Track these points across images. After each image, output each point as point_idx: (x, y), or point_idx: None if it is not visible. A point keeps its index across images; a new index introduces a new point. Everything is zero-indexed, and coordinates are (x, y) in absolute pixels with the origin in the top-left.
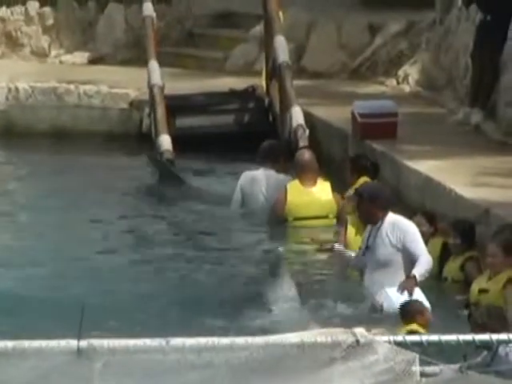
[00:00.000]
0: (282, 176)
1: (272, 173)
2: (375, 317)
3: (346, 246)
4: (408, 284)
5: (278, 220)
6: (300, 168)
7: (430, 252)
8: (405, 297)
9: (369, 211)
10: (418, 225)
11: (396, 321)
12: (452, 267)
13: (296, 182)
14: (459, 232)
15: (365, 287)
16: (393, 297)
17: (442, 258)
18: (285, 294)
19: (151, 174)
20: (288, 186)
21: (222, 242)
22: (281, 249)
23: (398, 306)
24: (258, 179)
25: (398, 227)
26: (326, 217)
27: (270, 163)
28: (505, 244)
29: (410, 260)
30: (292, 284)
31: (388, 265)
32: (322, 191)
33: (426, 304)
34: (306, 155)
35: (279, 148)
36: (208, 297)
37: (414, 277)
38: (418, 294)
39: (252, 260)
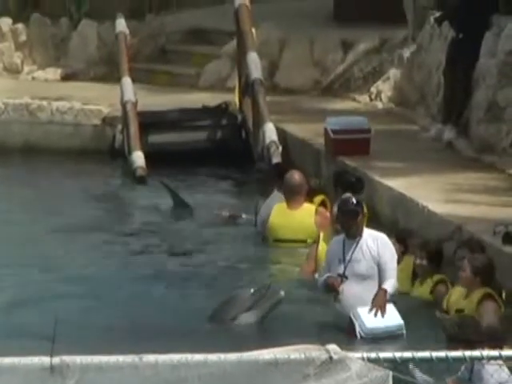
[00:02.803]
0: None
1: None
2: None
3: (317, 260)
4: (379, 300)
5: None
6: (288, 189)
7: (402, 269)
8: (377, 317)
9: (361, 225)
10: None
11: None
12: (421, 291)
13: (282, 204)
14: (426, 253)
15: (341, 301)
16: (364, 317)
17: (414, 276)
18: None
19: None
20: (274, 207)
21: (199, 259)
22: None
23: (369, 327)
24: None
25: (381, 242)
26: (305, 241)
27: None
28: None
29: (381, 276)
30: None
31: (368, 277)
32: (305, 215)
33: (400, 320)
34: (296, 177)
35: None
36: (180, 313)
37: (385, 291)
38: (391, 310)
39: (228, 275)
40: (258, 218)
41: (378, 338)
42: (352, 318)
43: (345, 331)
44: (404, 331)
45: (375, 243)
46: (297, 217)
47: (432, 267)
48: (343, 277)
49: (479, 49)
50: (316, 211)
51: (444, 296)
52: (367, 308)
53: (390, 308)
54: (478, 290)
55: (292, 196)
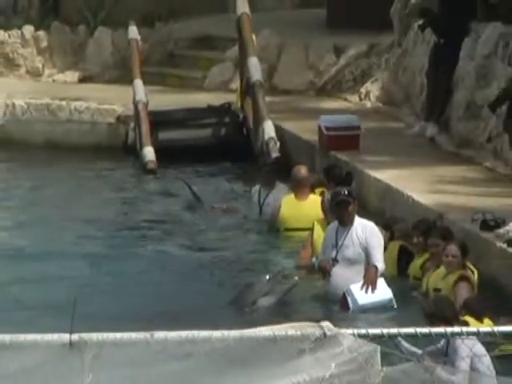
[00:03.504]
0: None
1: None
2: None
3: (313, 249)
4: (371, 276)
5: (274, 229)
6: (295, 182)
7: (388, 254)
8: (368, 293)
9: (352, 213)
10: None
11: (360, 317)
12: (413, 265)
13: (291, 196)
14: (420, 231)
15: (331, 282)
16: (356, 294)
17: (399, 260)
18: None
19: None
20: (283, 199)
21: (216, 247)
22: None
23: (361, 303)
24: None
25: (369, 230)
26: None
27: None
28: (462, 245)
29: (369, 260)
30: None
31: (356, 262)
32: (313, 205)
33: (390, 294)
34: (302, 171)
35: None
36: (194, 296)
37: (376, 267)
38: (382, 284)
39: (242, 262)
40: (266, 208)
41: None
42: (345, 294)
43: (336, 308)
44: (394, 304)
45: (364, 231)
46: (306, 207)
47: (426, 245)
48: (335, 260)
49: (459, 53)
50: (322, 201)
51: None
52: (359, 284)
53: (381, 282)
54: (456, 271)
55: (300, 188)
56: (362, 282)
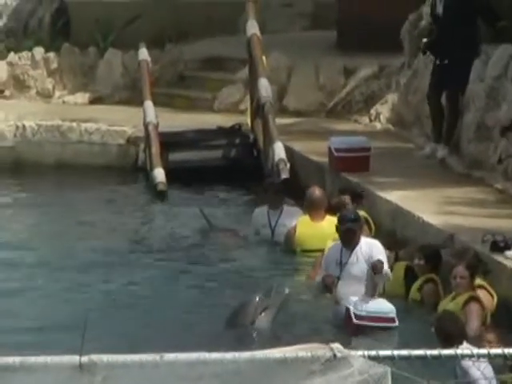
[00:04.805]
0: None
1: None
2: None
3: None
4: (378, 263)
5: (289, 250)
6: (310, 204)
7: (394, 274)
8: (369, 303)
9: (358, 237)
10: None
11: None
12: (412, 288)
13: (306, 217)
14: (424, 254)
15: (336, 300)
16: (358, 303)
17: (406, 281)
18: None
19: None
20: (299, 220)
21: (226, 266)
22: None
23: (363, 307)
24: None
25: (374, 247)
26: None
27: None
28: (471, 266)
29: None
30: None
31: (361, 279)
32: (329, 226)
33: (391, 306)
34: (317, 192)
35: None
36: (200, 316)
37: (380, 260)
38: (383, 300)
39: (252, 283)
40: (279, 229)
41: (372, 327)
42: (347, 305)
43: (342, 329)
44: (395, 316)
45: (369, 248)
46: (322, 228)
47: (429, 268)
48: (339, 278)
49: (465, 74)
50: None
51: (432, 294)
52: (360, 296)
53: (382, 299)
54: (465, 293)
55: (315, 209)
56: (363, 295)
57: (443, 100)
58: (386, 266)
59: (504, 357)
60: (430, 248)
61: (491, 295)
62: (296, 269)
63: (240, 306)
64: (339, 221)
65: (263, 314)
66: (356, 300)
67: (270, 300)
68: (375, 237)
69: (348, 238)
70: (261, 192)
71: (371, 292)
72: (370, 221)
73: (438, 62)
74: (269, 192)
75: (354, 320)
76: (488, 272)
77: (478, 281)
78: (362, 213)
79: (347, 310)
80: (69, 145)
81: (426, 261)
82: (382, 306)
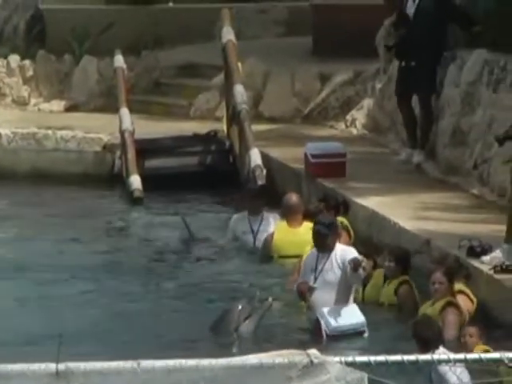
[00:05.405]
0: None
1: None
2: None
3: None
4: (356, 259)
5: (267, 256)
6: (287, 210)
7: (373, 281)
8: (341, 315)
9: (332, 243)
10: None
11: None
12: (387, 292)
13: (283, 223)
14: (394, 256)
15: (311, 306)
16: (329, 317)
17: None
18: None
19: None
20: (276, 226)
21: (205, 274)
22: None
23: (334, 325)
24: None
25: (348, 253)
26: None
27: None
28: (448, 272)
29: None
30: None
31: (336, 285)
32: (306, 232)
33: (362, 318)
34: (294, 198)
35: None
36: (178, 323)
37: (358, 257)
38: (354, 309)
39: (228, 290)
40: (261, 235)
41: (344, 335)
42: (318, 317)
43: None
44: (366, 328)
45: (343, 254)
46: (299, 234)
47: (399, 270)
48: (314, 285)
49: (433, 77)
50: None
51: (407, 295)
52: (332, 308)
53: (353, 307)
54: (442, 298)
55: (292, 215)
56: (334, 306)
57: (414, 104)
58: (361, 270)
59: (481, 361)
60: (399, 250)
61: (471, 300)
62: (276, 275)
63: (223, 313)
64: (313, 223)
65: (246, 322)
66: (327, 313)
67: (253, 307)
68: (354, 245)
69: (316, 239)
70: (238, 198)
71: (344, 299)
72: (350, 229)
73: (403, 64)
74: (247, 198)
75: (325, 337)
76: (469, 277)
77: (459, 286)
78: (341, 219)
79: (318, 322)
80: (45, 152)
81: (396, 263)
82: (353, 321)
